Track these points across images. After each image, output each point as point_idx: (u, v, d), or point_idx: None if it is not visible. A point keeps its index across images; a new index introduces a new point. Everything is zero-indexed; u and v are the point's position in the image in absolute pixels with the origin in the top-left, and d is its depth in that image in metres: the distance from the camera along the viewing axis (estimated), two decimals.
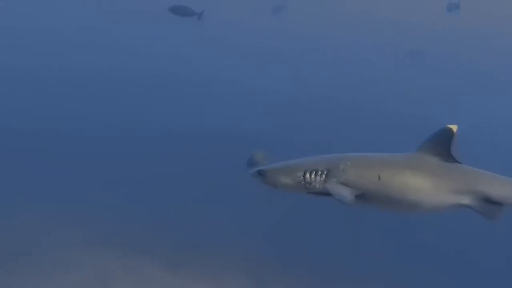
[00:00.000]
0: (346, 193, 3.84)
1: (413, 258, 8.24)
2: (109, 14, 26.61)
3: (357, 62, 21.76)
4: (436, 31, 29.00)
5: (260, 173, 4.16)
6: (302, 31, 26.50)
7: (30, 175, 9.70)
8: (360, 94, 16.68)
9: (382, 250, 8.30)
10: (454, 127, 3.94)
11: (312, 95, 16.01)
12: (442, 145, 3.95)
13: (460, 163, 3.99)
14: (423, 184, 3.89)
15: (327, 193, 3.96)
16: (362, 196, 3.92)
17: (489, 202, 3.89)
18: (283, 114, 14.29)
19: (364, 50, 23.67)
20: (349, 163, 3.97)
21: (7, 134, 11.25)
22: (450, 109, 14.85)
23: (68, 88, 14.93)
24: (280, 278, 7.77)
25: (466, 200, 3.91)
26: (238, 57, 20.44)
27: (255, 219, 8.72)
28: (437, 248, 8.48)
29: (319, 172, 3.97)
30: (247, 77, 17.48)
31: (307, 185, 3.99)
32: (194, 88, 16.04)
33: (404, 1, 38.91)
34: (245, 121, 13.34)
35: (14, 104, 13.30)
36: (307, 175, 3.98)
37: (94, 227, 8.45)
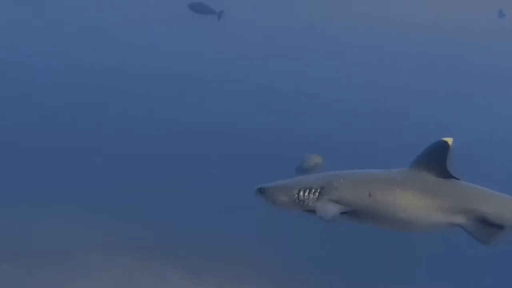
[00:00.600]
0: (329, 210, 3.80)
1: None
2: (126, 10, 26.98)
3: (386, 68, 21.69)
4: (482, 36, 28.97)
5: (261, 191, 4.19)
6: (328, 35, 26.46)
7: (51, 174, 9.80)
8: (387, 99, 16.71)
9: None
10: (449, 140, 3.77)
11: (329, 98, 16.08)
12: (437, 159, 3.77)
13: (458, 178, 3.76)
14: (413, 202, 3.73)
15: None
16: (354, 213, 3.85)
17: (485, 223, 3.65)
18: (303, 116, 14.38)
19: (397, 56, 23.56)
20: (342, 180, 3.92)
21: (23, 133, 11.35)
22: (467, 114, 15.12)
23: (83, 87, 15.09)
24: (305, 285, 7.74)
25: (459, 219, 3.70)
26: (256, 57, 20.44)
27: (278, 224, 8.52)
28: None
29: (313, 190, 3.95)
30: (275, 79, 17.56)
31: (302, 203, 3.98)
32: (208, 87, 16.10)
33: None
34: (262, 123, 13.44)
35: (36, 104, 13.42)
36: (301, 193, 3.97)
37: (117, 231, 8.47)
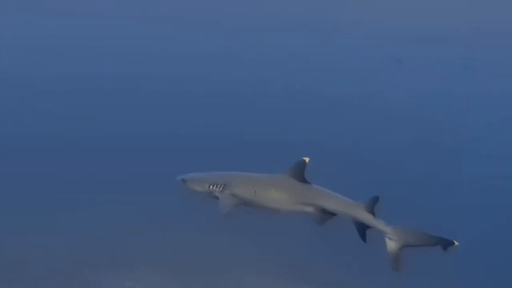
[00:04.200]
0: (227, 204, 5.66)
1: None
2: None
3: None
4: None
5: (182, 181, 5.83)
6: None
7: None
8: None
9: None
10: (306, 159, 5.77)
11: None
12: (298, 171, 5.78)
13: (310, 183, 5.82)
14: (281, 197, 5.73)
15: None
16: (245, 204, 5.83)
17: (324, 212, 5.64)
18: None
19: None
20: (238, 180, 5.82)
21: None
22: None
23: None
24: None
25: (308, 209, 5.70)
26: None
27: None
28: None
29: (218, 185, 5.83)
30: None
31: (210, 193, 5.82)
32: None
33: None
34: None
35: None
36: (211, 186, 5.83)
37: (252, 250, 9.16)
